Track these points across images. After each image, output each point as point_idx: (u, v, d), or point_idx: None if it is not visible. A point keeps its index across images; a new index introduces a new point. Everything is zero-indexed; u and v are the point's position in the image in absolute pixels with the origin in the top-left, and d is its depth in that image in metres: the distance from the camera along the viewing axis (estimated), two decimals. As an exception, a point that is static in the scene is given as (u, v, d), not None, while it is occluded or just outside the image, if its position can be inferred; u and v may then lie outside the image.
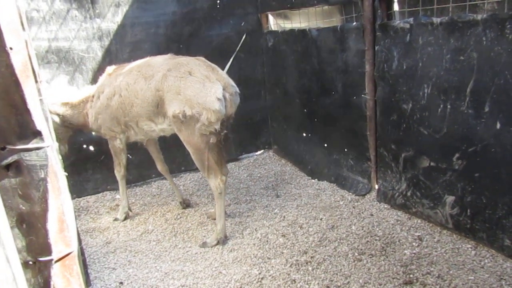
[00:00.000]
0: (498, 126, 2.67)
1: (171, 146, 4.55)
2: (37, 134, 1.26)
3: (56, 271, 1.33)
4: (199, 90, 3.20)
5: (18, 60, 1.21)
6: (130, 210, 4.19)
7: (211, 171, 3.38)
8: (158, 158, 4.22)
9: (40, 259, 1.31)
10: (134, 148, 4.83)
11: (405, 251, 3.06)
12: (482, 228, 2.93)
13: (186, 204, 4.26)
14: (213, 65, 3.46)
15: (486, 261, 2.84)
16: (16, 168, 1.23)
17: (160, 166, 4.23)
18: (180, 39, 4.81)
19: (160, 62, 3.49)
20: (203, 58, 3.52)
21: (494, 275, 2.69)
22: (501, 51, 2.56)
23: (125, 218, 4.11)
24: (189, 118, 3.21)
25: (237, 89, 3.48)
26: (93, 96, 3.80)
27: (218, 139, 3.33)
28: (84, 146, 4.62)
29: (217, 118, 3.21)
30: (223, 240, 3.48)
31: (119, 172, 4.01)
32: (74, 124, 3.93)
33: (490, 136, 2.74)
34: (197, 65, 3.36)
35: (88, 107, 3.84)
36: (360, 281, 2.80)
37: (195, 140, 3.30)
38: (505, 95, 2.60)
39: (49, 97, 3.63)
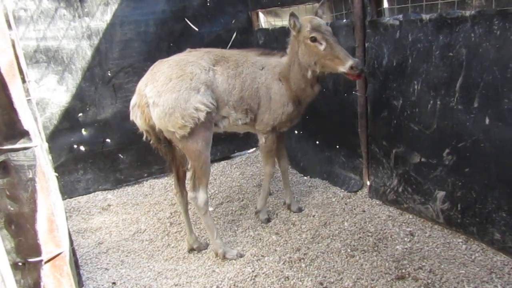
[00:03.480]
0: (487, 121, 2.70)
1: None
2: (25, 134, 1.24)
3: (46, 272, 1.32)
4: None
5: (4, 60, 1.19)
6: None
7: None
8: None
9: (30, 260, 1.29)
10: (125, 148, 4.81)
11: (397, 247, 3.08)
12: (473, 222, 2.96)
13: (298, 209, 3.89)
14: (161, 71, 3.04)
15: (476, 255, 2.87)
16: (4, 168, 1.22)
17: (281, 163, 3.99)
18: (170, 38, 4.78)
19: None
20: (167, 62, 3.12)
21: (484, 268, 2.72)
22: (489, 47, 2.59)
23: (268, 220, 3.76)
24: None
25: (153, 100, 2.94)
26: None
27: (164, 151, 3.33)
28: (75, 146, 4.58)
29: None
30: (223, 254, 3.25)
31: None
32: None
33: (479, 132, 2.77)
34: (146, 75, 3.17)
35: None
36: (353, 277, 2.82)
37: None
38: (493, 91, 2.62)
39: None
